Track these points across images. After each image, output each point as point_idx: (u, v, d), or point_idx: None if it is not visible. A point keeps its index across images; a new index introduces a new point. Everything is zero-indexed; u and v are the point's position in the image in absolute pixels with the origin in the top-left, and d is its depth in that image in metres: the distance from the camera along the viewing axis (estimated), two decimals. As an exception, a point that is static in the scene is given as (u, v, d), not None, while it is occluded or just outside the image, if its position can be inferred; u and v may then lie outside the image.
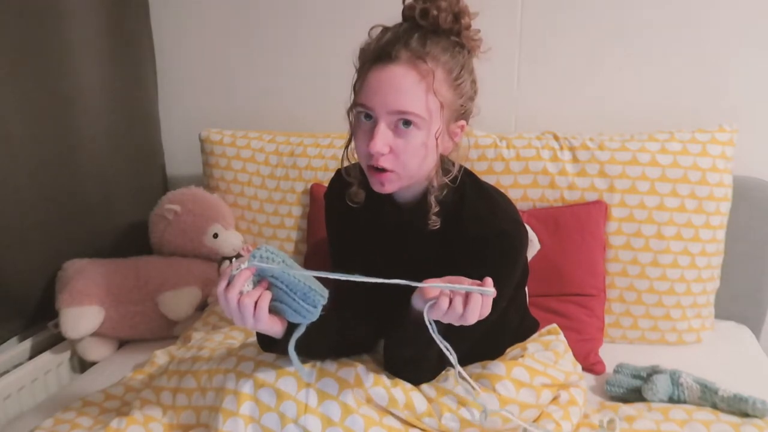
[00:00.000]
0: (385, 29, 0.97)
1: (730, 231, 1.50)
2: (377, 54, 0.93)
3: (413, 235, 1.05)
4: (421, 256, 1.05)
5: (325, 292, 0.89)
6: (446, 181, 1.01)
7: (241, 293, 0.86)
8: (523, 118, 1.73)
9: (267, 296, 0.88)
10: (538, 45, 1.68)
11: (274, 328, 0.92)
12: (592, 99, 1.68)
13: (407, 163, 0.95)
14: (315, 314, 0.88)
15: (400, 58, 0.92)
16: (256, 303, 0.87)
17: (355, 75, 0.98)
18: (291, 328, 0.92)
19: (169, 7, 1.90)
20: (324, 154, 1.68)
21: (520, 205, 1.51)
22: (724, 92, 1.60)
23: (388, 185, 0.98)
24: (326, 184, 1.23)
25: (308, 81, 1.85)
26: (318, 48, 1.82)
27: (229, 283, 0.86)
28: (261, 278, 0.88)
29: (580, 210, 1.48)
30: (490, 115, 1.61)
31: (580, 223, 1.46)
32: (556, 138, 1.54)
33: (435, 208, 1.01)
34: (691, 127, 1.51)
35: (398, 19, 0.98)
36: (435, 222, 1.01)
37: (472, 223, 1.01)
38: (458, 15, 0.94)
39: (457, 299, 0.84)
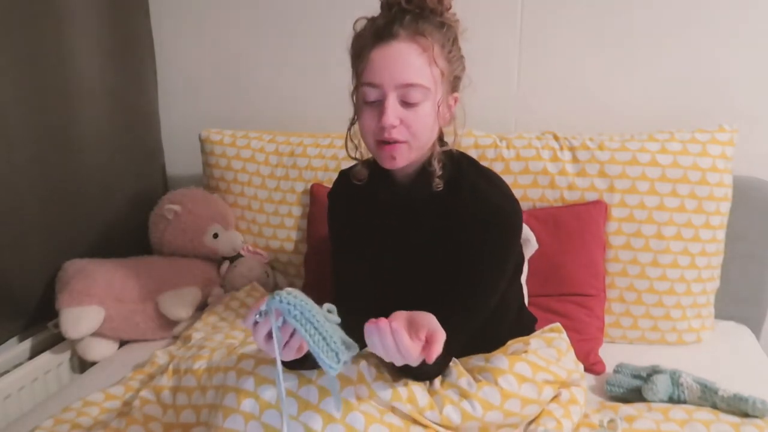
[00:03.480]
0: (373, 17, 1.00)
1: (730, 231, 1.50)
2: (377, 35, 0.97)
3: (414, 213, 1.07)
4: (422, 238, 1.07)
5: (345, 352, 0.83)
6: (449, 147, 1.05)
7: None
8: (523, 118, 1.74)
9: (297, 340, 0.85)
10: (538, 45, 1.68)
11: (298, 354, 0.89)
12: (592, 99, 1.68)
13: (418, 133, 0.99)
14: (335, 370, 0.83)
15: (400, 35, 0.96)
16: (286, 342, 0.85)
17: (352, 64, 1.02)
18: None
19: (169, 7, 1.90)
20: (324, 154, 1.68)
21: (520, 206, 1.51)
22: (724, 92, 1.60)
23: (399, 158, 1.00)
24: (326, 184, 1.23)
25: (309, 81, 1.85)
26: (318, 48, 1.82)
27: (257, 322, 0.83)
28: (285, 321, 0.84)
29: (580, 210, 1.48)
30: (490, 115, 1.64)
31: (580, 223, 1.46)
32: (556, 138, 1.54)
33: (439, 171, 1.03)
34: (691, 127, 1.51)
35: None
36: (438, 184, 1.04)
37: (471, 195, 1.04)
38: None
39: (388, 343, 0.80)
